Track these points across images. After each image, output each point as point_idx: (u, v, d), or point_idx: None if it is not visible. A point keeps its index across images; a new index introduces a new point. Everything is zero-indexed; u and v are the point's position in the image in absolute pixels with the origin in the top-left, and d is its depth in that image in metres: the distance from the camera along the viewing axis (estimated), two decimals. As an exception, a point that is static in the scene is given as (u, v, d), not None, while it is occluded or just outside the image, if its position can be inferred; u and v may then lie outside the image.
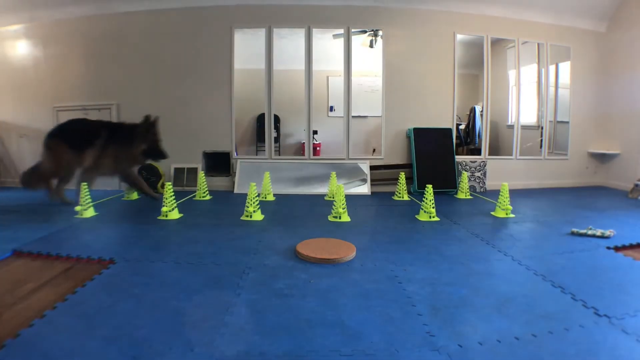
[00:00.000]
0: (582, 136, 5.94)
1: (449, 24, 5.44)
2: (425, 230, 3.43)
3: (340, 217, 3.72)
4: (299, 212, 4.08)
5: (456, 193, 5.14)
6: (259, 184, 4.83)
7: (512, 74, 5.83)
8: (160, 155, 4.38)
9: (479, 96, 5.88)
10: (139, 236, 3.17)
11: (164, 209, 3.73)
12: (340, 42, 5.43)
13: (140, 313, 1.86)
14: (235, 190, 5.21)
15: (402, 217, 3.92)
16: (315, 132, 5.96)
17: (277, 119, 6.26)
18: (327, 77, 6.65)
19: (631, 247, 2.95)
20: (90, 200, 3.88)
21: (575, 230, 3.28)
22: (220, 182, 5.44)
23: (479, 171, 5.48)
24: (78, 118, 4.64)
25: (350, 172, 5.42)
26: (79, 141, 4.22)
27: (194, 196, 4.84)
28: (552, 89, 5.99)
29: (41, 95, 5.48)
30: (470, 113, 6.22)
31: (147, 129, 4.26)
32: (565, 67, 5.90)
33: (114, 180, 5.42)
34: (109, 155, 4.19)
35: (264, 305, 1.96)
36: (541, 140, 5.87)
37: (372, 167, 5.43)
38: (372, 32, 5.61)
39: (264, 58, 5.35)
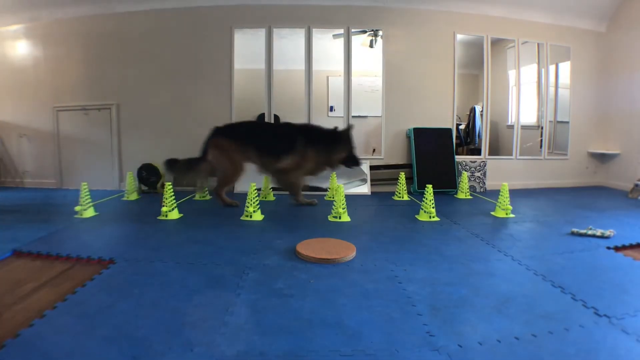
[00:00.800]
0: (582, 136, 5.94)
1: (449, 24, 5.44)
2: (425, 230, 3.43)
3: (340, 217, 3.72)
4: (299, 212, 4.08)
5: (456, 193, 5.14)
6: (259, 184, 4.82)
7: (512, 74, 5.83)
8: (356, 162, 4.35)
9: (479, 96, 5.88)
10: (139, 236, 3.17)
11: (164, 209, 3.73)
12: (340, 42, 5.43)
13: (140, 313, 1.86)
14: (235, 190, 5.21)
15: (402, 217, 3.91)
16: (315, 132, 5.95)
17: (277, 119, 6.26)
18: (327, 77, 6.64)
19: (631, 247, 2.95)
20: (90, 200, 3.88)
21: (575, 230, 3.27)
22: (220, 182, 5.43)
23: (479, 171, 5.48)
24: (256, 121, 4.65)
25: (350, 172, 5.41)
26: (272, 144, 4.16)
27: (194, 196, 4.84)
28: (552, 89, 5.99)
29: (41, 95, 5.48)
30: (470, 113, 6.21)
31: (349, 137, 4.27)
32: (565, 67, 5.90)
33: (113, 180, 5.44)
34: (311, 159, 4.16)
35: (264, 305, 1.96)
36: (541, 140, 5.88)
37: (372, 167, 5.43)
38: (372, 32, 5.61)
39: (264, 58, 5.35)
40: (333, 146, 4.19)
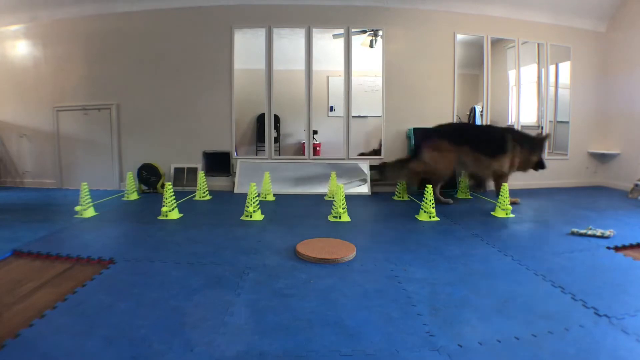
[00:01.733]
0: (582, 136, 5.94)
1: (449, 24, 5.44)
2: (425, 230, 3.43)
3: (340, 217, 3.72)
4: (299, 212, 4.08)
5: (456, 193, 5.13)
6: (259, 184, 4.83)
7: (512, 74, 5.83)
8: (543, 166, 4.66)
9: (479, 96, 5.87)
10: (139, 236, 3.17)
11: (164, 209, 3.73)
12: (340, 42, 5.43)
13: (140, 313, 1.86)
14: (235, 190, 5.21)
15: (402, 217, 3.91)
16: (315, 132, 5.96)
17: (277, 119, 6.26)
18: (327, 77, 6.65)
19: (631, 247, 2.95)
20: (90, 200, 3.88)
21: (575, 230, 3.27)
22: (220, 182, 5.44)
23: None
24: (472, 124, 5.01)
25: (350, 172, 5.41)
26: (488, 146, 4.45)
27: (194, 196, 4.84)
28: (552, 89, 5.99)
29: (41, 95, 5.48)
30: (470, 113, 6.21)
31: (543, 143, 4.70)
32: (565, 67, 5.89)
33: (113, 180, 5.44)
34: (518, 161, 4.51)
35: (264, 305, 1.96)
36: (541, 140, 5.87)
37: (372, 167, 5.43)
38: (372, 32, 5.60)
39: (264, 58, 5.35)
40: (532, 149, 4.53)
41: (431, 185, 3.90)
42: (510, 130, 4.74)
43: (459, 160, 4.51)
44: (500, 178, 4.43)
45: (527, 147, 4.50)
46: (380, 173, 4.92)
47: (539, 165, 4.62)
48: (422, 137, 4.60)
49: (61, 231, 3.27)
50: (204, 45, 5.34)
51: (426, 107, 5.51)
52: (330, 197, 4.81)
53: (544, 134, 4.70)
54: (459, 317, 1.85)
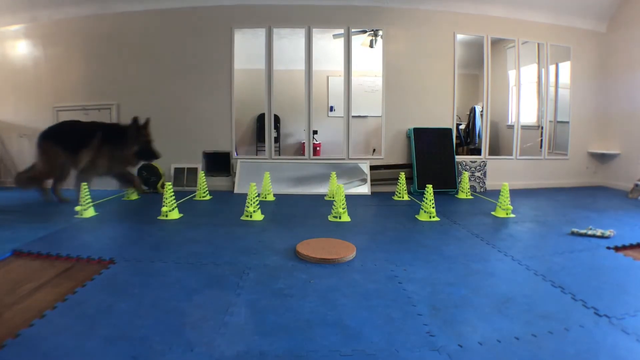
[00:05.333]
0: (582, 136, 5.94)
1: (449, 24, 5.44)
2: (425, 230, 3.43)
3: (340, 217, 3.72)
4: (299, 212, 4.08)
5: (456, 193, 5.14)
6: (259, 184, 4.83)
7: (512, 74, 5.83)
8: (152, 155, 4.46)
9: (479, 96, 5.88)
10: (139, 236, 3.17)
11: (164, 209, 3.73)
12: (340, 42, 5.43)
13: (140, 313, 1.86)
14: (235, 190, 5.21)
15: (402, 217, 3.92)
16: (315, 132, 5.97)
17: (277, 119, 6.26)
18: (327, 77, 6.65)
19: (631, 247, 2.95)
20: (90, 200, 3.88)
21: (575, 230, 3.28)
22: (220, 182, 5.44)
23: (479, 171, 5.48)
24: (71, 120, 4.70)
25: (350, 172, 5.41)
26: (73, 142, 4.29)
27: (194, 196, 4.84)
28: (552, 89, 5.99)
29: (41, 95, 5.48)
30: (470, 113, 6.22)
31: (138, 130, 4.31)
32: (565, 67, 5.90)
33: (113, 180, 5.43)
34: (104, 155, 4.27)
35: (264, 305, 1.96)
36: (541, 140, 5.87)
37: (372, 167, 5.43)
38: (372, 32, 5.61)
39: (264, 58, 5.35)
40: (124, 141, 4.26)
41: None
42: (102, 124, 4.50)
43: (61, 161, 4.35)
44: (86, 174, 4.26)
45: (115, 140, 4.25)
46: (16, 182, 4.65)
47: (148, 155, 4.39)
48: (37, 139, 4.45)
49: (61, 231, 3.27)
50: (204, 45, 5.34)
51: (426, 107, 5.51)
52: (330, 197, 4.81)
53: (139, 118, 4.31)
54: (459, 317, 1.85)
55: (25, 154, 5.63)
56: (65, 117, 5.43)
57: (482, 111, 5.74)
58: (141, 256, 2.65)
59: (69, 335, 1.65)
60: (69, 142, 4.30)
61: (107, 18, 5.31)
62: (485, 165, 5.51)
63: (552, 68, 5.89)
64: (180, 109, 5.41)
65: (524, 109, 5.80)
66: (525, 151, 5.82)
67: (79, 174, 4.32)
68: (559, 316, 1.85)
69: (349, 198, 4.48)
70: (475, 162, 5.50)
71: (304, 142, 5.64)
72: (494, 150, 5.87)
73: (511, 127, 5.85)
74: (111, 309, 1.90)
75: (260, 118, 5.85)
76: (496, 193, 4.60)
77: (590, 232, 3.20)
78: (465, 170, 5.38)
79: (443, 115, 5.53)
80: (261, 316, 1.85)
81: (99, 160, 4.26)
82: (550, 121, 5.98)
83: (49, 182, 4.56)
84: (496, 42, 5.72)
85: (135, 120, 4.29)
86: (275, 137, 5.75)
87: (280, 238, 3.12)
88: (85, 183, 3.87)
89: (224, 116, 5.39)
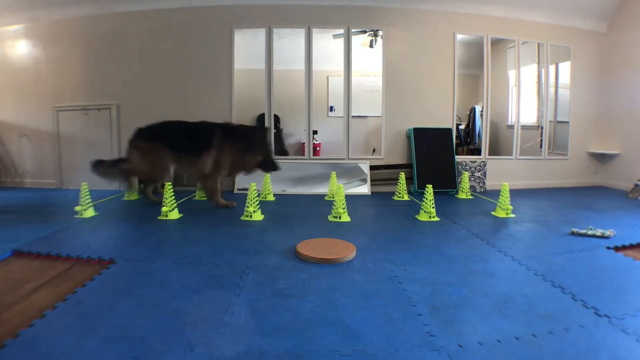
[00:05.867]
0: (582, 136, 5.94)
1: (449, 24, 5.44)
2: (425, 230, 3.43)
3: (340, 217, 3.72)
4: (299, 212, 4.08)
5: (456, 193, 5.14)
6: (259, 184, 4.82)
7: (512, 74, 5.83)
8: (274, 167, 4.24)
9: (479, 96, 5.88)
10: (139, 236, 3.17)
11: (164, 209, 3.73)
12: (340, 42, 5.43)
13: (140, 313, 1.86)
14: (235, 190, 5.21)
15: (402, 217, 3.91)
16: (315, 132, 5.96)
17: (277, 119, 6.26)
18: (327, 77, 6.65)
19: (631, 247, 2.95)
20: (90, 200, 3.87)
21: (575, 230, 3.27)
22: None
23: (479, 171, 5.48)
24: (177, 120, 4.39)
25: (350, 172, 5.41)
26: (190, 144, 4.05)
27: (194, 196, 4.84)
28: (552, 89, 5.99)
29: (41, 95, 5.48)
30: (470, 113, 6.22)
31: (266, 140, 4.13)
32: (565, 67, 5.90)
33: (113, 180, 5.43)
34: (228, 160, 4.04)
35: (264, 305, 1.96)
36: (541, 140, 5.88)
37: (372, 167, 5.43)
38: (372, 32, 5.61)
39: (264, 58, 5.35)
40: (249, 147, 4.04)
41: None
42: (218, 124, 4.17)
43: (164, 161, 4.14)
44: (204, 179, 4.12)
45: (238, 144, 4.02)
46: (94, 169, 4.28)
47: (269, 166, 4.16)
48: (130, 139, 4.19)
49: (61, 231, 3.27)
50: (204, 45, 5.34)
51: (426, 107, 5.51)
52: (330, 197, 4.81)
53: (264, 127, 4.14)
54: (459, 317, 1.85)
55: (25, 154, 5.64)
56: (66, 117, 5.45)
57: (482, 111, 5.74)
58: (141, 256, 2.65)
59: (69, 335, 1.65)
60: (179, 143, 4.06)
61: (107, 18, 5.31)
62: (485, 165, 5.51)
63: (552, 68, 5.89)
64: (180, 109, 5.39)
65: (524, 109, 5.80)
66: (525, 151, 5.82)
67: (201, 177, 4.15)
68: (559, 316, 1.85)
69: (349, 198, 4.48)
70: (475, 162, 5.50)
71: (304, 142, 5.64)
72: (494, 150, 5.87)
73: (511, 127, 5.85)
74: (111, 309, 1.90)
75: (260, 118, 5.84)
76: (496, 193, 4.60)
77: (590, 232, 3.20)
78: (465, 170, 5.38)
79: (443, 115, 5.53)
80: (261, 316, 1.85)
81: (223, 164, 4.05)
82: (550, 121, 5.98)
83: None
84: (496, 42, 5.72)
85: (267, 129, 4.15)
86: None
87: (280, 238, 3.12)
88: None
89: (224, 116, 5.36)
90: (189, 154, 4.06)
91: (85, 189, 3.84)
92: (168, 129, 4.20)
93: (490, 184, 5.53)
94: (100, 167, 4.18)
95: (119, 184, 4.44)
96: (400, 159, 5.55)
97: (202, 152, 3.97)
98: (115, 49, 5.36)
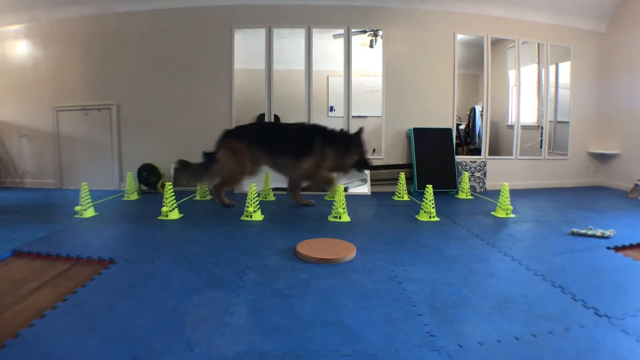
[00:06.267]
0: (582, 136, 5.94)
1: (449, 24, 5.44)
2: (425, 230, 3.43)
3: (340, 217, 3.72)
4: (299, 212, 4.08)
5: (456, 193, 5.14)
6: (259, 184, 4.82)
7: (512, 74, 5.83)
8: (367, 166, 4.34)
9: (479, 96, 5.88)
10: (139, 236, 3.17)
11: (164, 209, 3.73)
12: (340, 42, 5.43)
13: (140, 313, 1.86)
14: (235, 191, 5.20)
15: (402, 217, 3.91)
16: (315, 132, 5.95)
17: (277, 119, 6.25)
18: (327, 77, 6.64)
19: (631, 247, 2.95)
20: (90, 200, 3.88)
21: (575, 230, 3.28)
22: (220, 182, 5.43)
23: (479, 171, 5.48)
24: (270, 122, 4.49)
25: (350, 172, 5.40)
26: (289, 147, 4.08)
27: (195, 196, 4.84)
28: (552, 89, 5.99)
29: (41, 95, 5.48)
30: (470, 113, 6.21)
31: (361, 141, 4.22)
32: (565, 67, 5.90)
33: (113, 180, 5.44)
34: (328, 161, 4.09)
35: (264, 305, 1.96)
36: (541, 140, 5.88)
37: (372, 167, 5.42)
38: (372, 32, 5.61)
39: (264, 58, 5.35)
40: (347, 149, 4.14)
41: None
42: (318, 128, 4.25)
43: (255, 162, 4.16)
44: (306, 179, 4.18)
45: (337, 147, 4.11)
46: (182, 171, 4.40)
47: (364, 165, 4.27)
48: (219, 139, 4.19)
49: (61, 231, 3.27)
50: (204, 45, 5.34)
51: (426, 107, 5.52)
52: (330, 197, 4.81)
53: (359, 128, 4.22)
54: (459, 317, 1.85)
55: (25, 154, 5.64)
56: (66, 117, 5.45)
57: (482, 111, 5.74)
58: (141, 256, 2.65)
59: (69, 335, 1.65)
60: (275, 145, 4.10)
61: (107, 18, 5.31)
62: (485, 165, 5.51)
63: (552, 68, 5.89)
64: (180, 109, 5.41)
65: (524, 109, 5.80)
66: (525, 151, 5.82)
67: (298, 178, 4.24)
68: (559, 316, 1.85)
69: (349, 198, 4.48)
70: (475, 162, 5.50)
71: (304, 142, 5.63)
72: (494, 150, 5.87)
73: (511, 127, 5.85)
74: (111, 309, 1.89)
75: (260, 118, 5.84)
76: (496, 193, 4.60)
77: (590, 232, 3.20)
78: (465, 170, 5.38)
79: (443, 115, 5.54)
80: (261, 316, 1.85)
81: (324, 166, 4.09)
82: (550, 121, 5.98)
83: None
84: (496, 42, 5.72)
85: (361, 130, 4.21)
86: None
87: (280, 238, 3.12)
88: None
89: (224, 116, 5.39)
90: (286, 156, 4.09)
91: (85, 189, 3.84)
92: (262, 130, 4.31)
93: (490, 184, 5.53)
94: (189, 168, 4.29)
95: (205, 185, 4.55)
96: (400, 159, 5.55)
97: (302, 154, 4.03)
98: (115, 49, 5.36)
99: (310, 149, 4.01)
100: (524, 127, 5.82)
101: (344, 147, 4.11)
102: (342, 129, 4.38)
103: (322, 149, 4.04)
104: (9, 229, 3.30)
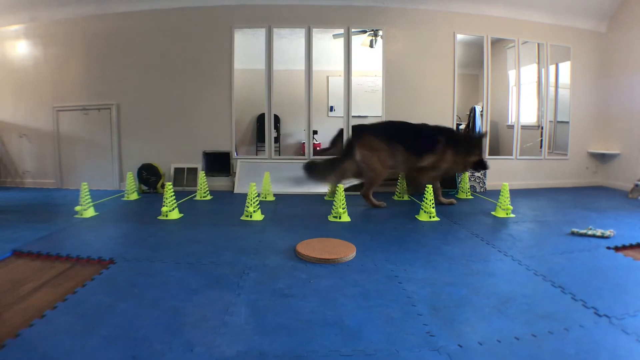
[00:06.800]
0: (582, 136, 5.94)
1: (449, 24, 5.44)
2: (425, 230, 3.43)
3: (340, 217, 3.72)
4: (299, 212, 4.08)
5: (456, 193, 5.13)
6: (259, 184, 4.82)
7: (512, 74, 5.83)
8: (484, 166, 4.55)
9: (479, 96, 5.88)
10: (139, 236, 3.17)
11: (164, 209, 3.73)
12: (340, 42, 5.43)
13: (140, 313, 1.86)
14: (235, 190, 5.21)
15: (402, 217, 3.91)
16: (315, 132, 5.96)
17: (277, 119, 6.26)
18: (327, 77, 6.65)
19: (631, 247, 2.95)
20: (90, 200, 3.88)
21: (575, 230, 3.27)
22: (220, 182, 5.44)
23: (479, 171, 5.47)
24: (399, 121, 4.63)
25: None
26: (417, 144, 4.26)
27: (194, 196, 4.84)
28: (552, 89, 5.99)
29: (41, 95, 5.48)
30: (470, 113, 6.21)
31: (482, 144, 4.48)
32: (565, 67, 5.89)
33: (113, 180, 5.44)
34: (448, 159, 4.27)
35: (264, 305, 1.96)
36: (541, 140, 5.87)
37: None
38: (372, 32, 5.61)
39: (264, 58, 5.35)
40: (468, 149, 4.35)
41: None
42: (445, 130, 4.49)
43: (393, 159, 4.30)
44: (420, 174, 4.32)
45: (459, 147, 4.30)
46: (308, 171, 4.45)
47: (481, 165, 4.48)
48: (353, 136, 4.33)
49: (61, 231, 3.27)
50: (204, 45, 5.34)
51: (426, 107, 5.51)
52: (330, 197, 4.81)
53: (482, 132, 4.47)
54: (459, 317, 1.85)
55: (25, 154, 5.64)
56: (66, 117, 5.46)
57: (482, 111, 5.74)
58: (141, 256, 2.65)
59: (69, 335, 1.65)
60: (407, 142, 4.25)
61: (107, 18, 5.31)
62: (485, 165, 5.50)
63: (552, 68, 5.89)
64: (180, 109, 5.41)
65: (524, 109, 5.80)
66: (525, 151, 5.82)
67: (420, 176, 4.35)
68: (559, 316, 1.85)
69: (349, 198, 4.48)
70: (475, 162, 5.49)
71: (304, 142, 5.64)
72: (494, 150, 5.87)
73: (511, 127, 5.85)
74: (111, 309, 1.90)
75: (260, 118, 5.85)
76: (496, 193, 4.60)
77: (590, 232, 3.20)
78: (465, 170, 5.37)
79: (443, 115, 5.53)
80: (261, 316, 1.85)
81: (443, 163, 4.27)
82: (550, 121, 5.98)
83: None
84: (496, 42, 5.72)
85: (485, 134, 4.47)
86: (275, 137, 5.75)
87: (280, 238, 3.12)
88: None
89: (224, 116, 5.39)
90: (412, 152, 4.27)
91: (85, 189, 3.84)
92: (395, 128, 4.44)
93: (490, 184, 5.52)
94: (317, 168, 4.37)
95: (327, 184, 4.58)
96: (400, 159, 5.54)
97: (424, 152, 4.22)
98: (115, 49, 5.36)
99: (434, 146, 4.20)
100: (524, 127, 5.82)
101: (466, 148, 4.32)
102: (466, 131, 4.57)
103: (445, 148, 4.23)
104: (9, 229, 3.30)
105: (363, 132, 4.37)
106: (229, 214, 3.94)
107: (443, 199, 4.51)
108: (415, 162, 4.25)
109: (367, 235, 3.24)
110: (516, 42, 5.63)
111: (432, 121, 5.46)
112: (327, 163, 4.37)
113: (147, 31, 5.33)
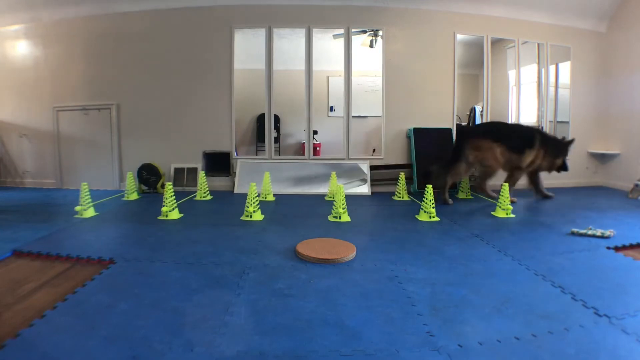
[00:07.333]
0: (582, 136, 5.92)
1: (449, 24, 5.44)
2: (425, 230, 3.43)
3: (340, 217, 3.72)
4: (299, 212, 4.08)
5: (456, 193, 5.13)
6: (259, 184, 4.83)
7: (512, 74, 5.83)
8: (566, 169, 4.84)
9: (479, 96, 5.87)
10: (139, 236, 3.17)
11: (164, 209, 3.73)
12: (340, 42, 5.43)
13: (140, 313, 1.86)
14: (235, 190, 5.21)
15: (402, 217, 3.91)
16: (315, 132, 5.96)
17: (277, 119, 6.26)
18: (327, 77, 6.65)
19: (631, 247, 2.95)
20: (90, 200, 3.88)
21: (575, 230, 3.27)
22: (220, 182, 5.44)
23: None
24: (500, 121, 5.17)
25: (350, 172, 5.41)
26: (519, 144, 4.57)
27: (195, 196, 4.84)
28: (552, 89, 5.98)
29: (41, 95, 5.48)
30: (470, 113, 6.21)
31: (568, 149, 4.78)
32: (565, 67, 5.89)
33: (113, 180, 5.44)
34: (541, 159, 4.63)
35: (264, 305, 1.96)
36: (541, 140, 5.87)
37: (372, 167, 5.43)
38: (372, 32, 5.60)
39: (264, 58, 5.35)
40: (558, 151, 4.67)
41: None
42: (539, 131, 4.87)
43: (502, 156, 4.61)
44: (515, 171, 4.63)
45: (552, 149, 4.62)
46: (426, 179, 4.60)
47: (562, 167, 4.79)
48: (459, 139, 4.70)
49: (61, 231, 3.27)
50: (204, 45, 5.34)
51: (426, 107, 5.51)
52: (330, 197, 4.81)
53: (569, 138, 4.89)
54: (459, 317, 1.85)
55: (25, 154, 5.64)
56: (66, 117, 5.46)
57: (482, 111, 5.74)
58: (141, 256, 2.65)
59: (69, 335, 1.66)
60: (516, 143, 4.55)
61: (107, 18, 5.31)
62: (485, 165, 5.49)
63: (552, 68, 5.88)
64: (180, 109, 5.41)
65: (524, 109, 5.80)
66: (525, 151, 5.80)
67: (514, 170, 4.67)
68: (559, 316, 1.85)
69: (349, 198, 4.48)
70: (476, 162, 5.49)
71: (304, 142, 5.64)
72: (494, 150, 5.85)
73: (511, 127, 5.84)
74: (111, 309, 1.90)
75: (260, 118, 5.84)
76: (496, 193, 4.59)
77: (590, 232, 3.20)
78: (466, 170, 5.37)
79: (443, 115, 5.53)
80: (261, 316, 1.85)
81: (537, 160, 4.61)
82: (550, 121, 5.97)
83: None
84: (496, 42, 5.72)
85: (572, 141, 4.80)
86: (275, 137, 5.75)
87: (280, 238, 3.12)
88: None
89: (224, 116, 5.39)
90: (513, 150, 4.57)
91: (85, 189, 3.84)
92: (496, 129, 4.78)
93: (490, 184, 5.51)
94: (435, 174, 4.61)
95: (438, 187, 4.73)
96: (400, 159, 5.55)
97: (524, 149, 4.54)
98: (115, 49, 5.36)
99: (532, 144, 4.53)
100: (524, 127, 5.80)
101: (555, 150, 4.64)
102: (554, 135, 5.00)
103: (540, 148, 4.57)
104: (9, 229, 3.30)
105: (468, 135, 4.69)
106: (229, 214, 3.94)
107: (544, 192, 4.88)
108: (517, 159, 4.56)
109: (367, 235, 3.24)
110: (516, 42, 5.63)
111: (432, 121, 5.51)
112: (440, 168, 4.69)
113: (147, 31, 5.33)
